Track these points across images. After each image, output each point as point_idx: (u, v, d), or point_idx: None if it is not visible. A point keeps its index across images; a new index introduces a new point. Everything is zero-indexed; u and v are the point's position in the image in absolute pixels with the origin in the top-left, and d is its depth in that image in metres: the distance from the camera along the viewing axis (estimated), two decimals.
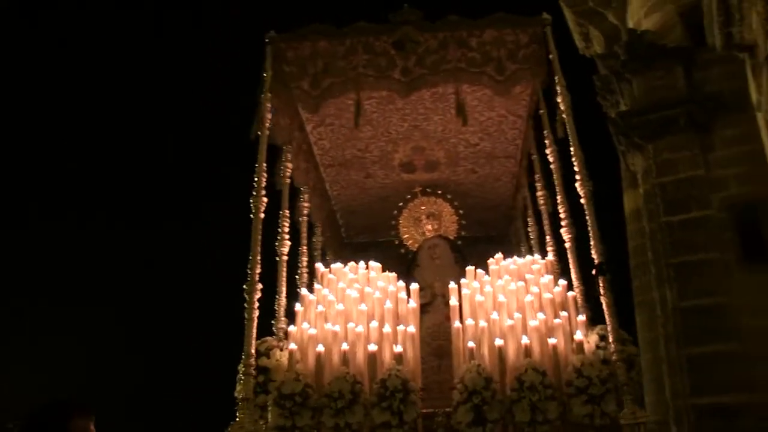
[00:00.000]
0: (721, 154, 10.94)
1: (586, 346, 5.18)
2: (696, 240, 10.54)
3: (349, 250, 8.97)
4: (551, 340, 5.15)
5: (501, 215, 8.84)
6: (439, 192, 8.18)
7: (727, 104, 10.95)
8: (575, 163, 5.75)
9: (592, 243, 5.41)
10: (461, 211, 8.15)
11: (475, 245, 8.57)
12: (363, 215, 8.78)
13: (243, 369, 5.07)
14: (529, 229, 7.71)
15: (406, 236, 8.24)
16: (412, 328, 5.44)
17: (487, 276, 6.30)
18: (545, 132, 6.64)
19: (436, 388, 5.84)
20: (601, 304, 5.17)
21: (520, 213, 8.32)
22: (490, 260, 6.64)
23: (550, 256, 6.73)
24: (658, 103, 10.77)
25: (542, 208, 7.08)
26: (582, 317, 5.43)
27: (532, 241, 7.58)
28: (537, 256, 6.83)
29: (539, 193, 7.13)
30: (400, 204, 8.23)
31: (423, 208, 8.18)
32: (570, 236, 6.08)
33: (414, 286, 6.00)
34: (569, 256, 6.05)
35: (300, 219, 7.09)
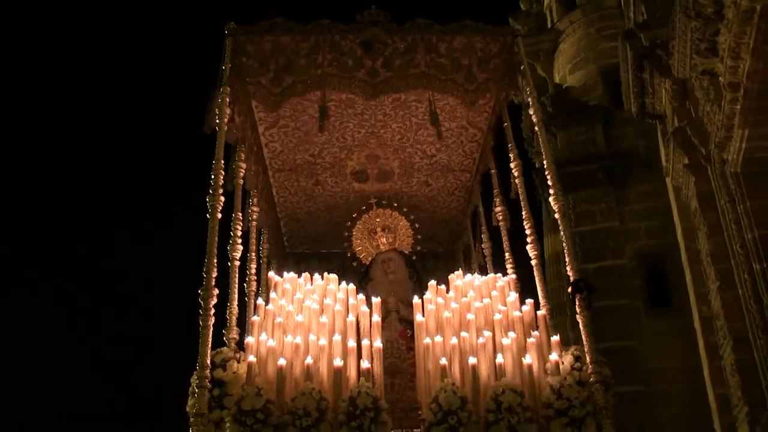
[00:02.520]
0: (634, 207, 11.91)
1: (560, 367, 4.99)
2: (609, 287, 11.05)
3: (291, 260, 8.57)
4: (526, 360, 4.94)
5: (450, 231, 8.62)
6: (395, 205, 7.89)
7: (642, 161, 11.94)
8: (549, 178, 5.60)
9: (567, 260, 5.25)
10: (417, 225, 7.89)
11: (422, 261, 8.34)
12: (307, 225, 8.40)
13: (197, 381, 4.64)
14: (483, 246, 7.53)
15: (359, 249, 7.89)
16: (378, 343, 5.12)
17: (450, 292, 6.06)
18: (510, 146, 6.53)
19: (390, 408, 5.54)
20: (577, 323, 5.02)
21: (471, 229, 8.14)
22: (452, 276, 6.41)
23: (511, 274, 6.57)
24: (578, 157, 11.26)
25: (501, 224, 6.93)
26: (556, 337, 5.24)
27: (487, 258, 7.41)
28: (499, 274, 6.63)
29: (498, 209, 6.98)
30: (355, 215, 7.90)
31: (378, 220, 7.85)
32: (536, 253, 5.95)
33: (375, 300, 5.69)
34: (536, 273, 5.91)
35: (249, 225, 6.68)
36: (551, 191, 5.62)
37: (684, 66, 7.27)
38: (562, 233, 5.54)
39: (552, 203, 5.60)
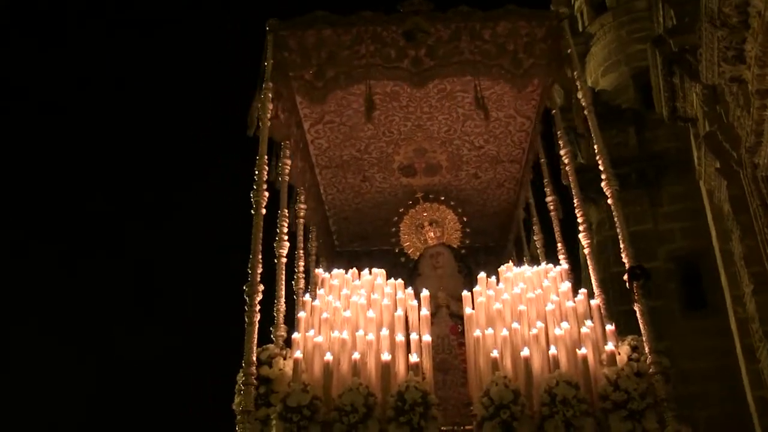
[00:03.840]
0: (668, 209, 11.91)
1: (617, 357, 4.78)
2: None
3: (342, 258, 8.49)
4: (580, 351, 4.74)
5: (500, 224, 8.44)
6: (443, 198, 7.74)
7: (674, 162, 12.07)
8: (600, 162, 5.40)
9: (622, 246, 5.05)
10: (465, 219, 7.72)
11: (474, 256, 8.16)
12: (356, 222, 8.30)
13: (243, 379, 4.58)
14: (535, 237, 7.35)
15: (406, 244, 7.76)
16: (427, 337, 4.99)
17: (500, 284, 5.89)
18: (559, 133, 6.37)
19: (442, 404, 5.39)
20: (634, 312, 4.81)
21: (522, 221, 7.94)
22: (502, 267, 6.23)
23: (564, 265, 6.38)
24: (611, 160, 11.32)
25: (552, 214, 6.75)
26: (611, 327, 5.03)
27: (539, 250, 7.21)
28: (549, 265, 6.43)
29: (549, 199, 6.80)
30: (401, 210, 7.77)
31: (425, 214, 7.68)
32: (588, 241, 5.78)
33: (425, 293, 5.56)
34: (589, 262, 5.73)
35: (297, 221, 6.63)
36: (603, 176, 5.43)
37: (712, 73, 7.30)
38: (615, 219, 5.34)
39: (604, 188, 5.42)
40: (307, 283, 6.48)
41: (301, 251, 6.47)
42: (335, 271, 6.22)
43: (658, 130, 12.41)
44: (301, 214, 6.71)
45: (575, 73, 5.97)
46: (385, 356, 4.71)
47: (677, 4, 8.77)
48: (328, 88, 5.97)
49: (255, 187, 5.33)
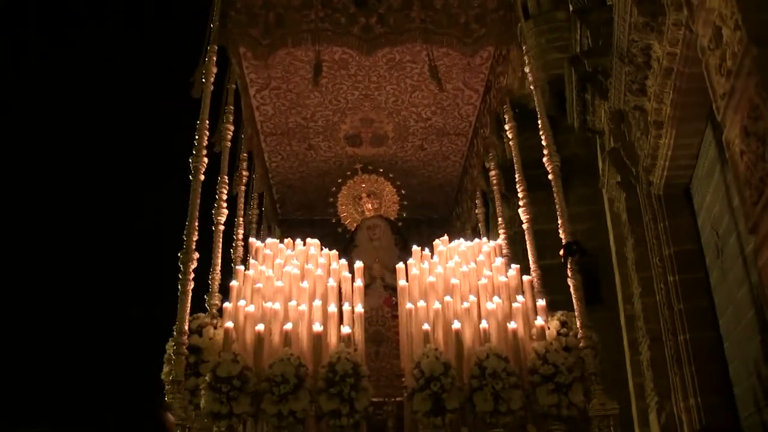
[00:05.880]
0: (574, 210, 12.14)
1: (546, 332, 4.85)
2: (547, 283, 11.22)
3: (284, 227, 8.43)
4: (511, 325, 4.79)
5: (445, 197, 8.46)
6: (381, 170, 7.70)
7: (582, 167, 12.33)
8: (543, 137, 5.43)
9: (560, 222, 5.11)
10: (403, 191, 7.70)
11: (417, 228, 8.18)
12: (300, 191, 8.24)
13: (174, 348, 4.52)
14: (477, 211, 7.39)
15: (344, 215, 7.71)
16: (360, 308, 4.98)
17: (434, 257, 5.90)
18: (505, 107, 6.40)
19: (374, 376, 5.42)
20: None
21: (467, 195, 7.96)
22: (437, 241, 6.25)
23: (501, 239, 6.44)
24: (524, 161, 11.84)
25: (495, 188, 6.80)
26: (542, 302, 5.10)
27: (480, 225, 7.26)
28: (485, 239, 6.47)
29: (492, 173, 6.83)
30: (339, 181, 7.71)
31: (363, 186, 7.65)
32: (528, 217, 5.86)
33: (358, 264, 5.54)
34: (527, 237, 5.79)
35: (237, 189, 6.53)
36: (545, 152, 5.49)
37: (619, 99, 7.99)
38: (555, 195, 5.40)
39: (546, 164, 5.48)
40: (245, 252, 6.41)
41: (241, 219, 6.39)
42: (269, 240, 6.17)
43: (569, 135, 12.80)
44: (243, 181, 6.61)
45: (524, 47, 5.98)
46: (317, 327, 4.69)
47: (593, 26, 9.22)
48: (274, 46, 5.83)
49: (194, 152, 5.20)
